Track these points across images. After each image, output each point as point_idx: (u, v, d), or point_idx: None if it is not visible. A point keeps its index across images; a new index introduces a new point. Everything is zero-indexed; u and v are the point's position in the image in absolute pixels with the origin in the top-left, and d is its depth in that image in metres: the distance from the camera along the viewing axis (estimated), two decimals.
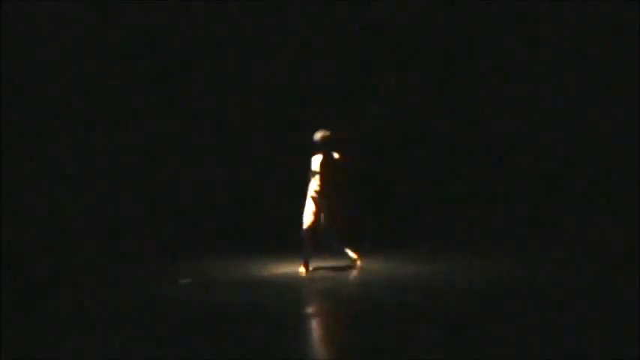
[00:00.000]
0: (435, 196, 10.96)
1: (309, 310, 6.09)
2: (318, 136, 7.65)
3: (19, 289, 6.89)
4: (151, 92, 10.78)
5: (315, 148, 7.70)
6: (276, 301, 6.14)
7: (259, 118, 11.06)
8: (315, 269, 7.78)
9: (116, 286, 7.06)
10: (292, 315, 5.62)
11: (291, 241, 8.34)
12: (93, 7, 10.30)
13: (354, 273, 7.65)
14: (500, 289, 6.57)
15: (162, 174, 10.75)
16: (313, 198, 7.72)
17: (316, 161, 7.72)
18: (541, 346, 4.39)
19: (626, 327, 4.78)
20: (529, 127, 10.89)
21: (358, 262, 7.82)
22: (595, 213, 9.98)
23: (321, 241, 7.84)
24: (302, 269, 7.67)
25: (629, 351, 4.23)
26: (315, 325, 5.41)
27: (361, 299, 6.29)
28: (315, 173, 7.70)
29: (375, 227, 10.33)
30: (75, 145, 10.46)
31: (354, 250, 7.86)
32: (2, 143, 9.89)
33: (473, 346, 4.48)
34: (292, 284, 7.02)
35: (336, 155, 7.71)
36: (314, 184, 7.72)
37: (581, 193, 10.30)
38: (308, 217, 7.70)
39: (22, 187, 10.01)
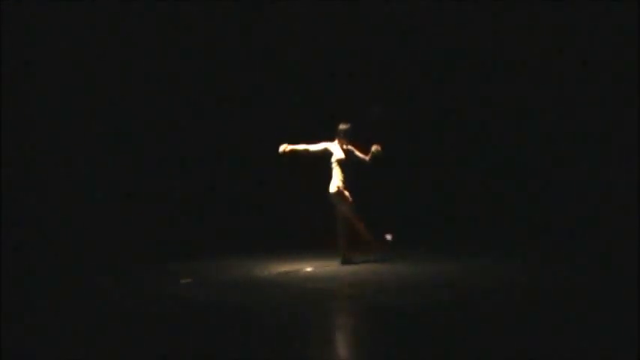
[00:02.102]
0: (439, 196, 10.98)
1: (310, 309, 6.08)
2: (346, 126, 8.19)
3: (19, 288, 6.89)
4: (151, 91, 10.78)
5: (343, 135, 8.20)
6: (276, 301, 6.14)
7: (259, 117, 11.07)
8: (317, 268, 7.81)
9: (116, 286, 7.06)
10: (293, 315, 5.62)
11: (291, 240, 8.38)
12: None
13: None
14: (500, 288, 6.57)
15: (162, 173, 10.75)
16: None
17: (338, 149, 8.23)
18: (541, 346, 4.39)
19: (626, 327, 4.78)
20: (529, 126, 10.90)
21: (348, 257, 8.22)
22: (595, 213, 9.98)
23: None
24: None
25: (629, 350, 4.23)
26: (315, 325, 5.40)
27: (363, 299, 6.29)
28: (339, 162, 8.17)
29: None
30: (75, 144, 10.46)
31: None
32: (3, 141, 9.88)
33: (472, 346, 4.48)
34: (293, 284, 7.02)
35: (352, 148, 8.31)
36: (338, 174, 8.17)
37: (581, 193, 10.30)
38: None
39: (22, 187, 10.00)
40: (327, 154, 8.21)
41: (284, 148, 8.05)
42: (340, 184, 8.18)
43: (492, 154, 11.00)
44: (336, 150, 8.24)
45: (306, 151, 8.10)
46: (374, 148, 8.31)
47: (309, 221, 9.70)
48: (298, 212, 10.29)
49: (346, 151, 8.27)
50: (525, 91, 10.85)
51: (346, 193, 8.17)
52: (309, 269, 7.87)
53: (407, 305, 5.79)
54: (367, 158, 8.35)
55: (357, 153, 8.36)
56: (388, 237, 8.23)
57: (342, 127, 8.22)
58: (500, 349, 4.38)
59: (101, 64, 10.49)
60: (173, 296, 6.42)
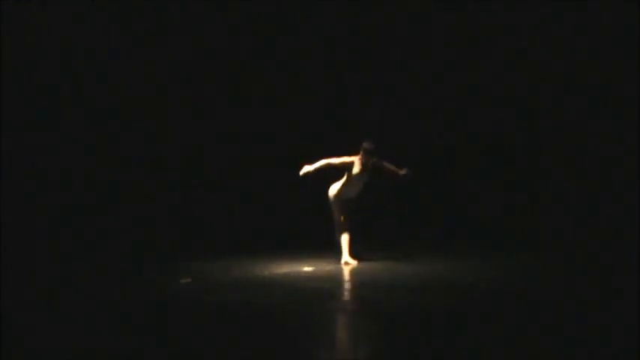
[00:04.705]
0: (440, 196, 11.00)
1: (310, 309, 6.09)
2: (370, 146, 8.05)
3: (19, 288, 6.89)
4: (152, 93, 10.78)
5: (365, 154, 8.06)
6: (276, 301, 6.14)
7: (259, 118, 11.07)
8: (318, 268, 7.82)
9: (116, 286, 7.06)
10: (293, 315, 5.62)
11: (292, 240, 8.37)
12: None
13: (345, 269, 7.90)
14: (500, 288, 6.57)
15: (163, 173, 10.75)
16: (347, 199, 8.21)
17: (358, 165, 8.11)
18: (541, 346, 4.40)
19: (625, 327, 4.78)
20: (528, 126, 10.91)
21: (348, 261, 8.17)
22: (595, 213, 9.99)
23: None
24: (350, 260, 8.16)
25: (629, 351, 4.24)
26: (316, 325, 5.40)
27: (363, 299, 6.29)
28: (357, 176, 8.11)
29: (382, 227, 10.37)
30: (75, 144, 10.46)
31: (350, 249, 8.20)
32: (3, 140, 9.88)
33: (472, 346, 4.48)
34: (293, 284, 7.02)
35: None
36: (354, 187, 8.16)
37: (581, 193, 10.30)
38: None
39: (22, 186, 10.01)
40: (345, 168, 8.14)
41: (306, 170, 7.92)
42: (336, 192, 8.22)
43: (491, 154, 11.01)
44: (356, 165, 8.14)
45: (328, 164, 8.01)
46: (403, 172, 8.23)
47: (309, 221, 9.70)
48: (298, 212, 10.30)
49: (370, 168, 8.17)
50: (516, 82, 10.86)
51: (335, 203, 8.25)
52: (309, 269, 7.88)
53: (407, 305, 5.79)
54: (399, 173, 8.24)
55: (387, 165, 8.24)
56: (352, 261, 8.20)
57: (366, 146, 8.09)
58: (500, 349, 4.38)
59: (100, 64, 10.50)
60: (173, 296, 6.42)
